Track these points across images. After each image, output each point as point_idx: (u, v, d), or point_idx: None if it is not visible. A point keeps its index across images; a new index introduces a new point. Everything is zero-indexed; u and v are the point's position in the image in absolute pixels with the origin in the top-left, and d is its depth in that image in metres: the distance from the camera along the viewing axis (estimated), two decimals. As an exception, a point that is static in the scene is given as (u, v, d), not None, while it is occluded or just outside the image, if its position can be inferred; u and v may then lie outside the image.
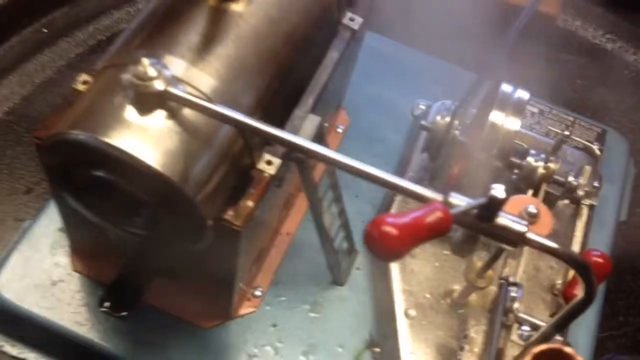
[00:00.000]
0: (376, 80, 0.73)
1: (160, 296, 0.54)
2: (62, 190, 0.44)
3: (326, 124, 0.67)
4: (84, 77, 0.45)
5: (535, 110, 0.72)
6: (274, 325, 0.56)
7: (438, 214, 0.33)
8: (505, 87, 0.55)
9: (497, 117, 0.54)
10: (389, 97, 0.72)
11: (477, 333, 0.51)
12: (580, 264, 0.35)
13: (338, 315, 0.58)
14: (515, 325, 0.48)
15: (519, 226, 0.35)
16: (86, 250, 0.55)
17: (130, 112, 0.39)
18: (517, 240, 0.35)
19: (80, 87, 0.44)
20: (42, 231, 0.57)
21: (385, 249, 0.32)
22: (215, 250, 0.45)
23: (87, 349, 0.53)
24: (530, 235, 0.35)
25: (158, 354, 0.53)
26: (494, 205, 0.34)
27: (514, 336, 0.48)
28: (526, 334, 0.48)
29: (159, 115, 0.39)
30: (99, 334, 0.53)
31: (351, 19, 0.53)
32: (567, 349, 0.30)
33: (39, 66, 0.70)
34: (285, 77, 0.46)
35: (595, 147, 0.66)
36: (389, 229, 0.32)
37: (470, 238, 0.53)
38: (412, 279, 0.57)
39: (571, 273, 0.54)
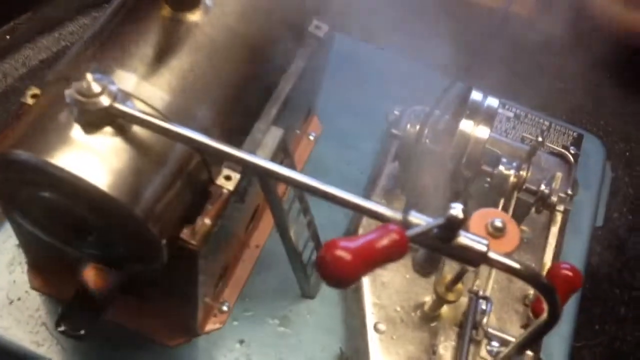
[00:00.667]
0: (350, 85, 0.71)
1: (123, 313, 0.52)
2: (11, 210, 0.43)
3: (297, 131, 0.65)
4: (33, 90, 0.43)
5: (510, 114, 0.71)
6: (241, 342, 0.55)
7: (393, 236, 0.31)
8: (475, 95, 0.53)
9: (466, 125, 0.52)
10: (362, 103, 0.71)
11: (445, 349, 0.49)
12: (543, 286, 0.34)
13: (308, 330, 0.56)
14: (485, 341, 0.47)
15: (480, 246, 0.34)
16: (44, 267, 0.53)
17: (75, 130, 0.37)
18: (479, 260, 0.34)
19: (29, 100, 0.42)
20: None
21: (337, 274, 0.30)
22: (173, 269, 0.43)
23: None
24: (492, 255, 0.34)
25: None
26: (453, 225, 0.33)
27: (483, 352, 0.47)
28: (495, 349, 0.47)
29: (106, 132, 0.37)
30: (58, 354, 0.51)
31: (317, 27, 0.51)
32: None
33: (1, 75, 0.68)
34: (246, 88, 0.45)
35: (571, 153, 0.65)
36: (342, 253, 0.30)
37: (433, 257, 0.52)
38: (382, 291, 0.55)
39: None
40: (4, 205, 0.43)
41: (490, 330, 0.47)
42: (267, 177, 0.44)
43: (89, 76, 0.35)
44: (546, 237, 0.58)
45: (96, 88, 0.36)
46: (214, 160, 0.42)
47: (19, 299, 0.53)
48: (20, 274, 0.54)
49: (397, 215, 0.34)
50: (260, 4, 0.46)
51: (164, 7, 0.43)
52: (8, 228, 0.55)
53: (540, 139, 0.62)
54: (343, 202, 0.35)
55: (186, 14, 0.43)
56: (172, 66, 0.41)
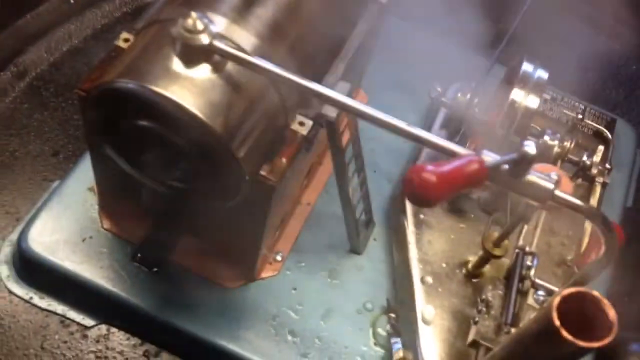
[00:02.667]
0: (394, 63, 0.75)
1: (188, 256, 0.56)
2: (103, 144, 0.46)
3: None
4: (125, 35, 0.46)
5: (548, 97, 0.74)
6: (294, 289, 0.58)
7: (475, 166, 0.34)
8: (526, 66, 0.56)
9: (517, 94, 0.56)
10: (405, 80, 0.74)
11: (493, 297, 0.53)
12: (604, 221, 0.37)
13: (355, 282, 0.60)
14: (532, 291, 0.50)
15: (548, 183, 0.37)
16: (115, 209, 0.56)
17: (177, 63, 0.40)
18: (545, 197, 0.37)
19: (122, 44, 0.46)
20: (71, 190, 0.58)
21: (423, 194, 0.34)
22: (247, 207, 0.46)
23: (114, 303, 0.55)
24: (558, 193, 0.37)
25: (184, 310, 0.55)
26: (525, 161, 0.36)
27: (530, 300, 0.50)
28: (542, 298, 0.50)
29: (204, 68, 0.40)
30: (127, 289, 0.55)
31: (381, -7, 0.55)
32: (595, 293, 0.32)
33: (67, 35, 0.71)
34: (320, 42, 0.48)
35: (606, 133, 0.68)
36: (428, 175, 0.33)
37: (499, 196, 0.55)
38: (429, 249, 0.58)
39: (584, 246, 0.56)
40: (96, 139, 0.47)
41: (537, 280, 0.50)
42: (336, 124, 0.48)
43: (194, 14, 0.39)
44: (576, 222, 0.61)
45: (199, 26, 0.39)
46: (291, 107, 0.46)
47: (91, 237, 0.56)
48: (92, 215, 0.57)
49: (470, 152, 0.38)
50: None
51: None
52: (78, 173, 0.59)
53: (580, 116, 0.66)
54: (425, 141, 0.39)
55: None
56: (258, 14, 0.44)
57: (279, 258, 0.59)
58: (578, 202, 0.37)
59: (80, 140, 0.64)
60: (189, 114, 0.39)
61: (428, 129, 0.68)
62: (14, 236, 0.58)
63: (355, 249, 0.61)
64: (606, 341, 0.32)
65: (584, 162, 0.59)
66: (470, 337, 0.51)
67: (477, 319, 0.52)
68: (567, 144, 0.59)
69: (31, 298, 0.56)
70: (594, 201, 0.61)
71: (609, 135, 0.67)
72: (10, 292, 0.56)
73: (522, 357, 0.39)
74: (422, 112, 0.72)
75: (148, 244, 0.52)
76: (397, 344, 0.56)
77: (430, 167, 0.34)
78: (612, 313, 0.32)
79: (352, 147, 0.56)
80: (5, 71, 0.67)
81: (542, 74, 0.57)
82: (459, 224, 0.60)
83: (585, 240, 0.57)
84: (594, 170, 0.60)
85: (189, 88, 0.40)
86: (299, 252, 0.60)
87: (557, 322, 0.31)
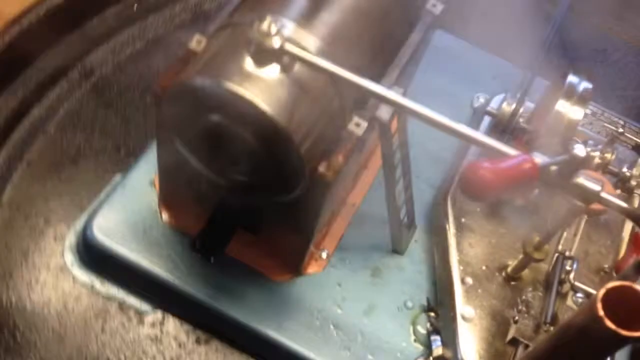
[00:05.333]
0: (437, 73, 0.77)
1: (241, 249, 0.59)
2: (174, 138, 0.49)
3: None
4: (197, 37, 0.50)
5: (589, 111, 0.76)
6: (339, 285, 0.61)
7: (527, 165, 0.37)
8: (572, 78, 0.59)
9: (562, 105, 0.58)
10: (448, 90, 0.77)
11: (533, 299, 0.55)
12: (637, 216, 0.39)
13: (397, 281, 0.62)
14: (570, 293, 0.52)
15: (595, 185, 0.39)
16: (175, 203, 0.60)
17: (249, 64, 0.44)
18: (592, 198, 0.40)
19: (195, 46, 0.50)
20: (133, 184, 0.62)
21: (479, 189, 0.36)
22: (302, 202, 0.49)
23: (170, 291, 0.58)
24: (605, 195, 0.39)
25: (234, 299, 0.58)
26: (574, 163, 0.38)
27: (569, 302, 0.52)
28: (580, 300, 0.51)
29: (274, 68, 0.44)
30: (183, 278, 0.58)
31: (434, 5, 0.58)
32: (637, 287, 0.34)
33: (130, 38, 0.76)
34: (378, 49, 0.51)
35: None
36: (484, 172, 0.36)
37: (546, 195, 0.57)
38: (469, 251, 0.61)
39: (621, 254, 0.58)
40: (167, 136, 0.50)
41: (576, 283, 0.52)
42: (388, 125, 0.51)
43: (269, 18, 0.42)
44: (623, 220, 0.63)
45: (273, 29, 0.42)
46: (349, 107, 0.49)
47: (152, 228, 0.60)
48: (153, 208, 0.61)
49: (521, 153, 0.40)
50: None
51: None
52: (140, 168, 0.63)
53: (620, 130, 0.68)
54: (478, 142, 0.41)
55: (335, -21, 0.50)
56: (324, 20, 0.48)
57: (324, 255, 0.62)
58: (623, 204, 0.39)
59: (140, 137, 0.68)
60: (259, 110, 0.43)
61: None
62: (78, 225, 0.62)
63: (398, 250, 0.64)
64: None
65: (623, 173, 0.61)
66: (510, 335, 0.53)
67: (516, 318, 0.54)
68: (608, 155, 0.61)
69: (93, 284, 0.60)
70: (632, 212, 0.63)
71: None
72: (74, 278, 0.59)
73: (561, 350, 0.41)
74: (465, 121, 0.75)
75: (206, 234, 0.55)
76: (436, 341, 0.58)
77: (486, 164, 0.36)
78: None
79: (400, 150, 0.59)
80: (73, 70, 0.71)
81: (587, 86, 0.59)
82: (499, 229, 0.62)
83: (623, 248, 0.59)
84: (633, 182, 0.62)
85: (259, 86, 0.43)
86: (343, 251, 0.63)
87: (601, 312, 0.33)
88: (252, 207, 0.54)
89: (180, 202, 0.59)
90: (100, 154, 0.67)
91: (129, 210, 0.60)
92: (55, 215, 0.63)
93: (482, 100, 0.75)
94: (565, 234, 0.57)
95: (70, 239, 0.62)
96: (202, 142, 0.48)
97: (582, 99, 0.58)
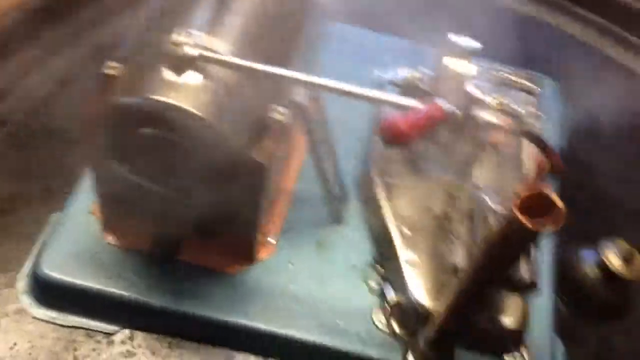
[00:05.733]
0: (340, 60, 0.82)
1: (190, 251, 0.62)
2: (110, 160, 0.52)
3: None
4: (111, 64, 0.53)
5: (476, 65, 0.84)
6: (291, 263, 0.65)
7: (436, 110, 0.43)
8: (454, 36, 0.66)
9: (451, 62, 0.65)
10: (353, 74, 0.81)
11: (463, 231, 0.61)
12: (536, 138, 0.46)
13: (341, 248, 0.67)
14: (492, 219, 0.59)
15: (491, 117, 0.46)
16: (119, 224, 0.62)
17: (169, 75, 0.47)
18: (489, 127, 0.46)
19: (111, 72, 0.52)
20: (73, 217, 0.63)
21: (396, 137, 0.42)
22: (243, 192, 0.53)
23: (133, 306, 0.60)
24: (500, 123, 0.46)
25: (196, 299, 0.61)
26: (471, 100, 0.45)
27: (492, 220, 0.59)
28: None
29: (193, 75, 0.47)
30: (141, 291, 0.60)
31: (319, -4, 0.63)
32: (547, 191, 0.41)
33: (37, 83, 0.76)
34: (280, 42, 0.56)
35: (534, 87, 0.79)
36: (399, 123, 0.42)
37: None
38: (400, 206, 0.67)
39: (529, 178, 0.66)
40: (103, 158, 0.52)
41: (494, 207, 0.60)
42: (306, 110, 0.56)
43: (179, 31, 0.46)
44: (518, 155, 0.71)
45: (186, 39, 0.46)
46: (267, 98, 0.53)
47: (98, 253, 0.61)
48: (96, 235, 0.62)
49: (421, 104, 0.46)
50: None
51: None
52: (77, 199, 0.64)
53: (510, 76, 0.76)
54: (381, 101, 0.47)
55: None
56: (227, 24, 0.52)
57: (271, 241, 0.66)
58: (518, 127, 0.46)
59: (67, 174, 0.69)
60: (189, 113, 0.46)
61: (378, 111, 0.76)
62: (26, 268, 0.63)
63: (336, 220, 0.69)
64: (554, 225, 0.40)
65: (517, 111, 0.69)
66: (449, 264, 0.60)
67: (452, 249, 0.60)
68: (499, 98, 0.68)
69: (54, 318, 0.61)
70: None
71: (536, 89, 0.77)
72: (35, 318, 0.60)
73: (489, 257, 0.47)
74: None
75: (159, 242, 0.58)
76: (389, 290, 0.64)
77: (399, 117, 0.42)
78: (560, 203, 0.41)
79: (321, 129, 0.64)
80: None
81: (470, 42, 0.66)
82: (421, 181, 0.69)
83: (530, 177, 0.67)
84: (528, 119, 0.70)
85: (184, 93, 0.47)
86: (288, 232, 0.67)
87: (517, 212, 0.40)
88: (198, 206, 0.57)
89: (123, 222, 0.61)
90: (32, 198, 0.68)
91: (74, 242, 0.62)
92: (0, 265, 0.63)
93: (384, 75, 0.81)
94: (478, 171, 0.64)
95: (21, 283, 0.62)
96: (138, 157, 0.51)
97: (465, 54, 0.65)
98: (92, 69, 0.52)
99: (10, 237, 0.65)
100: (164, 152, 0.49)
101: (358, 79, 0.78)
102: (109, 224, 0.62)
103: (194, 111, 0.46)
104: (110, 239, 0.62)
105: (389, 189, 0.68)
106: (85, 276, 0.60)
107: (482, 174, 0.63)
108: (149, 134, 0.48)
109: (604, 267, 0.70)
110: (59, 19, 0.78)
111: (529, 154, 0.69)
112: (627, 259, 0.69)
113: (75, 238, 0.62)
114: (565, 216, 0.42)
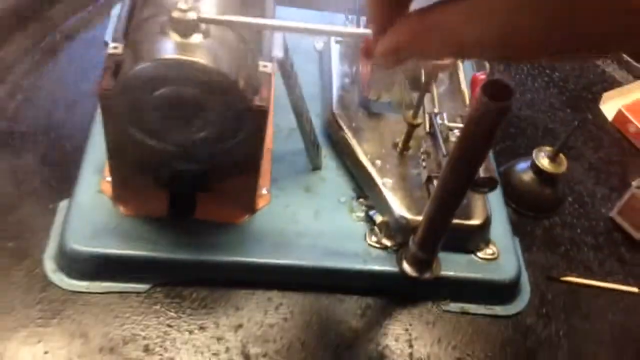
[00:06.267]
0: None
1: (201, 208, 0.69)
2: (126, 128, 0.59)
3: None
4: (113, 44, 0.60)
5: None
6: (287, 207, 0.74)
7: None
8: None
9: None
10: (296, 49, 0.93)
11: (428, 149, 0.73)
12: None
13: (326, 188, 0.77)
14: (450, 134, 0.71)
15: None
16: (133, 195, 0.68)
17: (177, 37, 0.55)
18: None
19: (114, 50, 0.59)
20: (84, 198, 0.69)
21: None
22: (247, 138, 0.62)
23: (157, 264, 0.67)
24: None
25: (214, 248, 0.68)
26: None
27: (452, 139, 0.70)
28: (458, 133, 0.71)
29: (197, 36, 0.56)
30: (163, 249, 0.67)
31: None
32: (504, 79, 0.52)
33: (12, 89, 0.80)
34: (251, 7, 0.65)
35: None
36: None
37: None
38: (367, 143, 0.77)
39: (469, 96, 0.79)
40: (120, 126, 0.59)
41: (450, 124, 0.72)
42: (285, 62, 0.65)
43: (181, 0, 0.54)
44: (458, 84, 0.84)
45: (189, 5, 0.54)
46: (255, 51, 0.62)
47: (117, 224, 0.68)
48: (111, 209, 0.68)
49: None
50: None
51: (187, -36, 0.62)
52: (83, 182, 0.70)
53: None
54: (342, 33, 0.58)
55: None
56: (211, -2, 0.60)
57: (265, 192, 0.75)
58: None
59: (65, 165, 0.74)
60: (207, 68, 0.54)
61: (329, 69, 0.87)
62: (51, 251, 0.67)
63: (316, 166, 0.79)
64: (510, 101, 0.52)
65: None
66: (424, 177, 0.71)
67: (424, 164, 0.72)
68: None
69: (88, 287, 0.66)
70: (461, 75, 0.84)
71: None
72: (73, 292, 0.65)
73: (467, 144, 0.58)
74: (312, 64, 0.92)
75: (174, 202, 0.65)
76: (374, 214, 0.75)
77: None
78: (511, 83, 0.52)
79: (295, 83, 0.73)
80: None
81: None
82: (381, 120, 0.80)
83: (467, 93, 0.80)
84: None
85: (196, 50, 0.55)
86: (277, 183, 0.76)
87: (483, 94, 0.51)
88: (204, 165, 0.65)
89: (139, 191, 0.68)
90: (36, 193, 0.72)
91: (92, 218, 0.68)
92: (24, 252, 0.68)
93: (322, 43, 0.92)
94: (429, 100, 0.76)
95: (49, 263, 0.67)
96: (157, 118, 0.58)
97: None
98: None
99: (25, 230, 0.69)
100: (180, 108, 0.57)
101: (296, 49, 0.92)
102: (122, 196, 0.68)
103: (212, 66, 0.54)
104: (125, 210, 0.68)
105: (355, 130, 0.79)
106: (110, 244, 0.66)
107: (434, 101, 0.75)
108: (165, 94, 0.56)
109: (535, 169, 0.84)
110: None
111: (466, 82, 0.82)
112: (551, 159, 0.84)
113: (92, 214, 0.68)
114: (515, 93, 0.53)
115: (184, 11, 0.54)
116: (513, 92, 0.52)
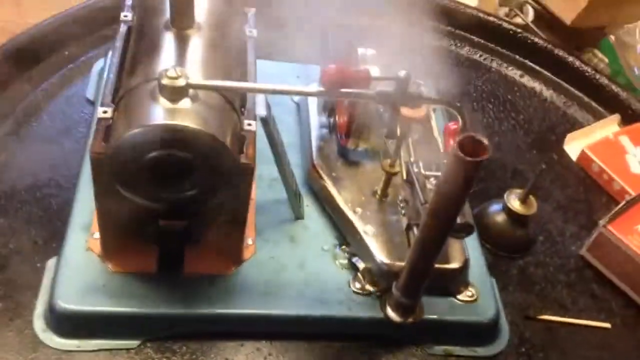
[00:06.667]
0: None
1: (189, 261, 0.71)
2: (117, 191, 0.60)
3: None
4: (102, 108, 0.62)
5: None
6: (272, 258, 0.76)
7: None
8: (360, 50, 0.82)
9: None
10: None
11: (407, 197, 0.76)
12: (452, 104, 0.62)
13: (309, 237, 0.79)
14: (427, 182, 0.75)
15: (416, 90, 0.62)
16: (122, 252, 0.69)
17: (166, 103, 0.58)
18: (418, 101, 0.62)
19: (103, 115, 0.62)
20: (72, 256, 0.70)
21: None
22: (233, 195, 0.64)
23: (147, 320, 0.68)
24: (426, 95, 0.62)
25: (201, 301, 0.69)
26: (403, 82, 0.60)
27: (429, 187, 0.74)
28: (434, 181, 0.74)
29: (186, 101, 0.58)
30: (151, 304, 0.68)
31: (250, 31, 0.77)
32: (478, 136, 0.56)
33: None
34: (235, 68, 0.68)
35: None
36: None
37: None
38: (347, 192, 0.80)
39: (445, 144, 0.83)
40: (111, 188, 0.61)
41: (427, 173, 0.75)
42: (267, 119, 0.68)
43: (172, 66, 0.57)
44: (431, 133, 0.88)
45: (178, 73, 0.57)
46: (239, 111, 0.65)
47: (105, 283, 0.68)
48: (99, 266, 0.69)
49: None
50: (225, 20, 0.71)
51: (172, 29, 0.65)
52: (71, 241, 0.71)
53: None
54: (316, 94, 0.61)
55: (188, 30, 0.66)
56: (194, 60, 0.63)
57: (250, 242, 0.77)
58: (443, 98, 0.62)
59: (51, 223, 0.75)
60: (195, 131, 0.57)
61: (307, 119, 0.90)
62: (40, 310, 0.68)
63: (299, 216, 0.81)
64: (485, 156, 0.56)
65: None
66: (404, 225, 0.74)
67: (403, 212, 0.75)
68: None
69: (78, 346, 0.66)
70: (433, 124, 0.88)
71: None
72: (64, 351, 0.66)
73: (442, 199, 0.61)
74: (294, 114, 0.95)
75: (164, 257, 0.66)
76: (358, 261, 0.77)
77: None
78: (485, 140, 0.56)
79: (278, 138, 0.76)
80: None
81: (372, 52, 0.82)
82: (359, 168, 0.83)
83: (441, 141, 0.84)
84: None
85: (183, 115, 0.57)
86: (262, 233, 0.78)
87: (458, 149, 0.55)
88: (193, 220, 0.67)
89: (125, 249, 0.69)
90: (23, 251, 0.73)
91: (81, 276, 0.68)
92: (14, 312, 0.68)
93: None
94: (405, 149, 0.79)
95: (38, 322, 0.67)
96: (147, 180, 0.60)
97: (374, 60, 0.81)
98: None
99: (14, 289, 0.70)
100: (169, 171, 0.59)
101: (277, 103, 0.95)
102: (111, 253, 0.70)
103: (201, 129, 0.57)
104: (114, 267, 0.70)
105: (334, 180, 0.82)
106: (99, 302, 0.67)
107: (410, 149, 0.78)
108: (156, 158, 0.58)
109: (507, 211, 0.88)
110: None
111: (439, 131, 0.86)
112: (522, 200, 0.88)
113: (81, 272, 0.69)
114: (490, 149, 0.57)
115: (173, 78, 0.57)
116: (487, 147, 0.56)
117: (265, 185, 0.83)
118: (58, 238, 0.72)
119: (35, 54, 0.93)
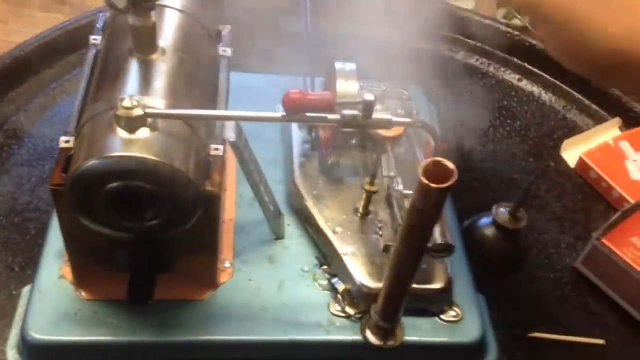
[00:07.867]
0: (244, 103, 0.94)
1: (161, 288, 0.70)
2: (80, 220, 0.60)
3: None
4: (64, 137, 0.61)
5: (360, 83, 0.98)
6: (250, 280, 0.75)
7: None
8: (338, 64, 0.80)
9: (341, 85, 0.78)
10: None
11: (385, 217, 0.74)
12: (427, 126, 0.60)
13: (289, 258, 0.78)
14: (405, 200, 0.73)
15: (386, 115, 0.60)
16: (93, 279, 0.69)
17: (124, 134, 0.56)
18: (388, 123, 0.60)
19: (65, 145, 0.61)
20: (45, 284, 0.69)
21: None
22: (202, 222, 0.63)
23: (119, 348, 0.67)
24: (395, 118, 0.60)
25: (175, 328, 0.68)
26: (369, 105, 0.58)
27: (407, 205, 0.72)
28: (413, 200, 0.72)
29: (144, 130, 0.57)
30: (125, 332, 0.67)
31: (224, 50, 0.75)
32: (444, 160, 0.54)
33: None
34: (203, 92, 0.67)
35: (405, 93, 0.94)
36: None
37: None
38: (326, 210, 0.78)
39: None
40: (73, 218, 0.60)
41: (405, 192, 0.73)
42: (237, 143, 0.66)
43: (127, 97, 0.56)
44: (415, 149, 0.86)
45: (134, 103, 0.56)
46: (204, 137, 0.63)
47: (79, 309, 0.68)
48: (72, 294, 0.69)
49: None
50: (192, 41, 0.69)
51: (136, 54, 0.64)
52: (45, 268, 0.70)
53: (383, 87, 0.91)
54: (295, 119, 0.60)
55: (151, 55, 0.64)
56: (156, 85, 0.62)
57: (227, 265, 0.76)
58: (410, 119, 0.60)
59: (26, 250, 0.75)
60: (152, 161, 0.55)
61: (289, 133, 0.88)
62: (12, 341, 0.68)
63: (279, 236, 0.79)
64: (452, 182, 0.53)
65: (399, 113, 0.84)
66: (382, 245, 0.72)
67: (381, 233, 0.73)
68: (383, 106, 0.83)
69: (50, 377, 0.66)
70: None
71: (409, 95, 0.92)
72: (32, 381, 0.65)
73: (413, 223, 0.59)
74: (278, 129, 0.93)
75: (134, 286, 0.66)
76: (337, 282, 0.75)
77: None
78: (451, 165, 0.54)
79: (251, 160, 0.75)
80: None
81: (352, 66, 0.80)
82: (340, 186, 0.81)
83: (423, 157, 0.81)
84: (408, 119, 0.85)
85: (142, 145, 0.56)
86: (240, 255, 0.77)
87: (424, 178, 0.53)
88: (161, 249, 0.66)
89: (96, 277, 0.68)
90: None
91: (54, 305, 0.68)
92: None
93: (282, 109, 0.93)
94: (384, 167, 0.77)
95: (11, 353, 0.67)
96: (108, 210, 0.59)
97: (351, 75, 0.79)
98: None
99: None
100: (130, 200, 0.58)
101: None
102: (83, 282, 0.69)
103: (159, 160, 0.55)
104: (86, 294, 0.69)
105: (315, 198, 0.80)
106: (71, 331, 0.66)
107: (390, 167, 0.76)
108: (115, 188, 0.57)
109: (497, 225, 0.86)
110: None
111: (419, 147, 0.84)
112: (512, 213, 0.85)
113: (54, 301, 0.68)
114: (457, 174, 0.54)
115: (129, 109, 0.56)
116: (454, 172, 0.53)
117: (246, 204, 0.82)
118: (34, 265, 0.72)
119: (18, 76, 0.92)
